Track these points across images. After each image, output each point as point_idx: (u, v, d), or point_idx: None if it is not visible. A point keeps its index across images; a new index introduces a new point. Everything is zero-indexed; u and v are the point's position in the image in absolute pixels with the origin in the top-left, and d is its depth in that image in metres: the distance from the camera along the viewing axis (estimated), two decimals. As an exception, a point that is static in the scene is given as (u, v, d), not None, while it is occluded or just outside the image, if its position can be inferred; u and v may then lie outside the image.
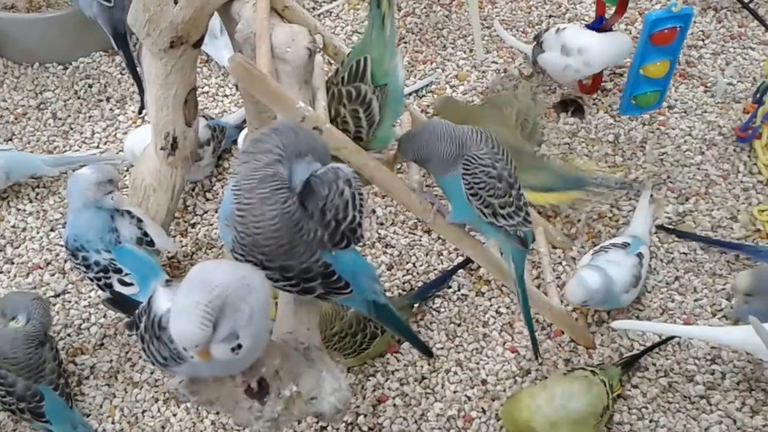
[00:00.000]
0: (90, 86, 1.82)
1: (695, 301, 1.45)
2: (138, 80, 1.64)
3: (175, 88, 1.28)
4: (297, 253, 0.88)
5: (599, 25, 1.65)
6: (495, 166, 1.08)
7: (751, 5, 1.90)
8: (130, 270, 1.29)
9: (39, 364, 1.26)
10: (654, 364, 1.37)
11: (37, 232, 1.58)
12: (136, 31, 1.21)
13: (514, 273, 1.22)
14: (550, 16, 1.91)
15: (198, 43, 1.25)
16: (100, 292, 1.39)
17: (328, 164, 0.91)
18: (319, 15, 1.93)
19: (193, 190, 1.64)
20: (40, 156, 1.65)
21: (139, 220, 1.33)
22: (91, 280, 1.31)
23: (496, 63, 1.83)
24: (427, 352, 1.23)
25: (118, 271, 1.28)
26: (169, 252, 1.50)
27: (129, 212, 1.32)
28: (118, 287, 1.29)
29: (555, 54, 1.66)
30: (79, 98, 1.80)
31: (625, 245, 1.39)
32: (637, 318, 1.43)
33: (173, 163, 1.37)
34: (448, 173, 1.10)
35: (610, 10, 1.63)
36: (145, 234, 1.33)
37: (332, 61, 1.30)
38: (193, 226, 1.59)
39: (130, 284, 1.29)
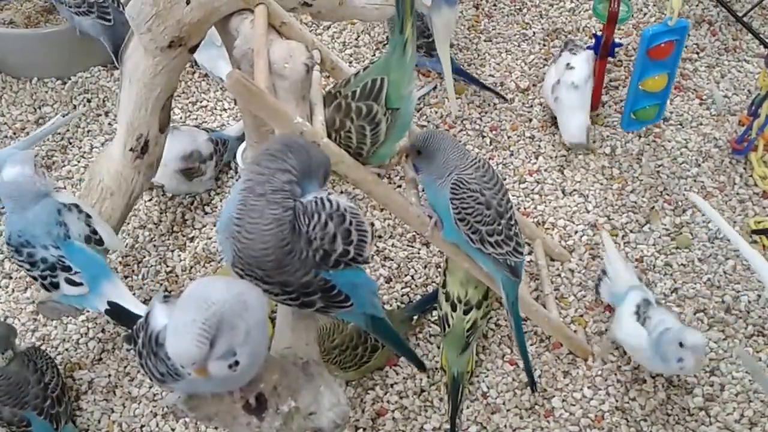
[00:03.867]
0: (88, 101, 1.83)
1: (694, 313, 1.45)
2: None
3: (159, 90, 1.26)
4: (290, 272, 0.89)
5: (597, 44, 1.65)
6: (483, 193, 1.11)
7: (745, 19, 1.91)
8: (80, 268, 1.19)
9: (22, 389, 1.26)
10: (653, 377, 1.37)
11: (36, 247, 1.58)
12: (135, 24, 1.17)
13: (506, 302, 1.22)
14: (543, 29, 1.92)
15: (194, 49, 1.24)
16: (42, 293, 1.26)
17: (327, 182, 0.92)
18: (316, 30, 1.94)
19: (192, 203, 1.64)
20: (9, 147, 1.62)
21: (88, 216, 1.23)
22: (35, 279, 1.21)
23: (493, 77, 1.83)
24: (421, 366, 1.23)
25: (67, 269, 1.19)
26: (118, 251, 1.44)
27: (77, 206, 1.23)
28: (65, 287, 1.20)
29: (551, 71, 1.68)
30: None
31: (647, 302, 1.30)
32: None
33: (138, 166, 1.33)
34: (436, 182, 1.13)
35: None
36: (94, 232, 1.23)
37: (330, 76, 1.31)
38: (192, 239, 1.59)
39: (80, 284, 1.20)
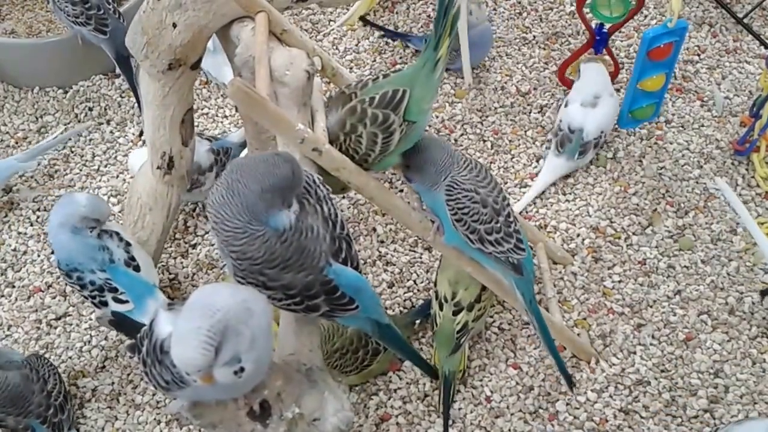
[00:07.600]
0: (90, 109, 1.83)
1: (698, 315, 1.45)
2: (140, 101, 1.66)
3: (173, 109, 1.29)
4: (308, 257, 0.89)
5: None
6: (478, 191, 1.11)
7: (746, 20, 1.91)
8: (125, 289, 1.30)
9: (25, 398, 1.27)
10: (657, 379, 1.37)
11: (38, 255, 1.59)
12: (134, 53, 1.23)
13: (523, 303, 1.21)
14: (543, 33, 1.93)
15: (196, 65, 1.26)
16: (95, 311, 1.40)
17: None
18: (318, 37, 1.94)
19: (194, 210, 1.65)
20: (12, 157, 1.67)
21: (128, 244, 1.33)
22: (86, 298, 1.32)
23: (494, 81, 1.84)
24: (430, 372, 1.23)
25: (114, 290, 1.30)
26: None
27: (117, 234, 1.32)
28: (113, 305, 1.31)
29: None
30: (79, 122, 1.81)
31: None
32: (637, 333, 1.43)
33: (169, 181, 1.38)
34: (430, 189, 1.13)
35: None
36: (132, 258, 1.32)
37: (331, 82, 1.31)
38: (194, 246, 1.59)
39: (126, 301, 1.30)
